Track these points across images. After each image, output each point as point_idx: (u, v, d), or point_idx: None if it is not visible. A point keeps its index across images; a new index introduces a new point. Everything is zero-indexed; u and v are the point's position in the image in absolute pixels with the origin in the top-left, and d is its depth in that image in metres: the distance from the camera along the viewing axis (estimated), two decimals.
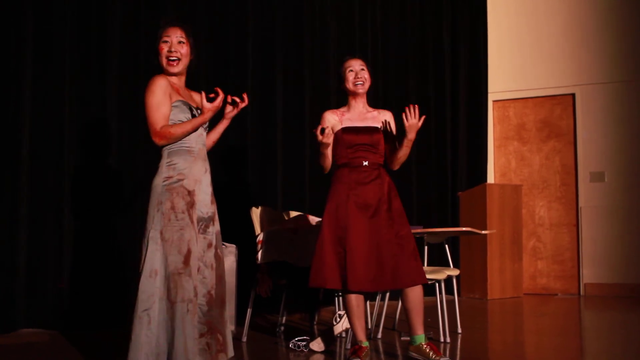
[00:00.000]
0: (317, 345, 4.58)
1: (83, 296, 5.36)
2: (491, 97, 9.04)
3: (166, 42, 3.65)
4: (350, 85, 4.25)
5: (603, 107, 8.50)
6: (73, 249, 5.41)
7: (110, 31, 5.71)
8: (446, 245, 5.51)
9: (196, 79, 6.00)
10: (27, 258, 5.22)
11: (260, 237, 5.05)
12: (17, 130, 5.23)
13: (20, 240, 5.19)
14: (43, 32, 5.39)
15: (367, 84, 4.27)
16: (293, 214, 5.76)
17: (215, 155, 6.00)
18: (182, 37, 3.67)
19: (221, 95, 3.60)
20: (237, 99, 3.88)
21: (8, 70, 5.24)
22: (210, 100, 3.59)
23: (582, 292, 8.39)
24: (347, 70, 4.25)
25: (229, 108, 3.90)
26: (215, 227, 3.72)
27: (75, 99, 5.52)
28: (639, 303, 7.50)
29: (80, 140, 5.54)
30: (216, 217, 3.74)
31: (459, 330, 5.28)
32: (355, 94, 4.27)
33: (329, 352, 4.56)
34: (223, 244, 5.05)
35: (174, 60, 3.65)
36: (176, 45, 3.65)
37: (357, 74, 4.23)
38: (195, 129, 3.60)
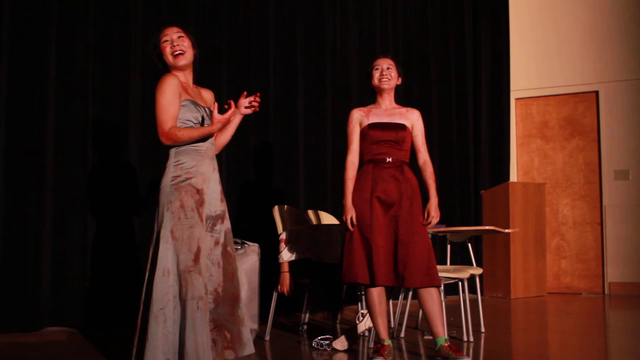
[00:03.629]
0: (340, 343, 4.58)
1: (107, 295, 5.40)
2: (513, 95, 9.00)
3: (167, 40, 3.71)
4: (375, 81, 4.34)
5: (627, 104, 8.42)
6: (97, 248, 5.45)
7: (133, 31, 5.75)
8: (469, 244, 5.50)
9: (217, 79, 6.05)
10: (52, 257, 5.27)
11: (282, 236, 5.07)
12: (42, 130, 5.28)
13: (45, 240, 5.24)
14: (67, 31, 5.44)
15: (393, 82, 4.36)
16: (315, 213, 5.77)
17: (238, 155, 6.07)
18: (180, 32, 3.73)
19: (232, 109, 3.65)
20: (254, 102, 3.89)
21: (33, 69, 5.29)
22: (223, 111, 3.64)
23: (606, 291, 8.33)
24: (374, 68, 4.35)
25: (243, 105, 3.91)
26: (224, 225, 3.74)
27: (99, 97, 5.57)
28: None
29: (103, 139, 5.58)
30: (226, 215, 3.77)
31: (482, 330, 5.26)
32: (380, 90, 4.35)
33: (351, 350, 4.56)
34: (246, 243, 5.08)
35: (179, 54, 3.70)
36: (177, 40, 3.72)
37: (383, 71, 4.33)
38: (202, 138, 3.63)
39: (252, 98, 3.91)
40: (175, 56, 3.71)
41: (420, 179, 4.34)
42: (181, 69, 3.74)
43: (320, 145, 6.97)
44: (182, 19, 5.75)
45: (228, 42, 6.32)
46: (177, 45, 3.71)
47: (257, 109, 3.94)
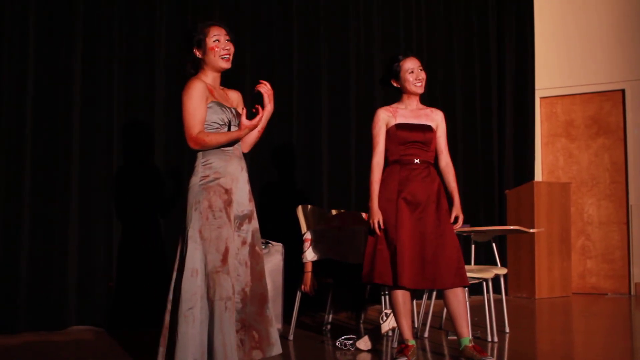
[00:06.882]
0: (364, 343, 4.59)
1: (133, 294, 5.45)
2: (538, 94, 8.93)
3: (217, 40, 3.71)
4: (411, 87, 4.30)
5: None
6: (123, 248, 5.50)
7: (157, 33, 5.79)
8: (493, 244, 5.48)
9: (241, 78, 6.07)
10: (78, 257, 5.32)
11: (306, 236, 5.08)
12: (68, 132, 5.34)
13: (72, 239, 5.29)
14: (92, 32, 5.49)
15: (424, 84, 4.34)
16: (339, 212, 5.77)
17: (261, 154, 6.09)
18: (227, 37, 3.75)
19: (260, 114, 3.66)
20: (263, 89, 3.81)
21: (59, 71, 5.35)
22: (251, 115, 3.65)
23: (632, 292, 8.24)
24: (408, 72, 4.29)
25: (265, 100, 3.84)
26: (252, 225, 3.75)
27: (123, 98, 5.61)
28: None
29: (129, 140, 5.63)
30: (254, 214, 3.78)
31: (507, 330, 5.24)
32: (414, 94, 4.33)
33: (375, 350, 4.57)
34: (270, 243, 5.10)
35: (227, 58, 3.72)
36: (227, 43, 3.73)
37: (418, 75, 4.30)
38: (229, 143, 3.65)
39: (265, 89, 3.77)
40: (223, 59, 3.72)
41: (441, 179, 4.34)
42: (217, 71, 3.75)
43: (343, 144, 6.96)
44: (204, 17, 5.77)
45: (251, 43, 6.34)
46: (228, 49, 3.73)
47: (269, 91, 3.77)
